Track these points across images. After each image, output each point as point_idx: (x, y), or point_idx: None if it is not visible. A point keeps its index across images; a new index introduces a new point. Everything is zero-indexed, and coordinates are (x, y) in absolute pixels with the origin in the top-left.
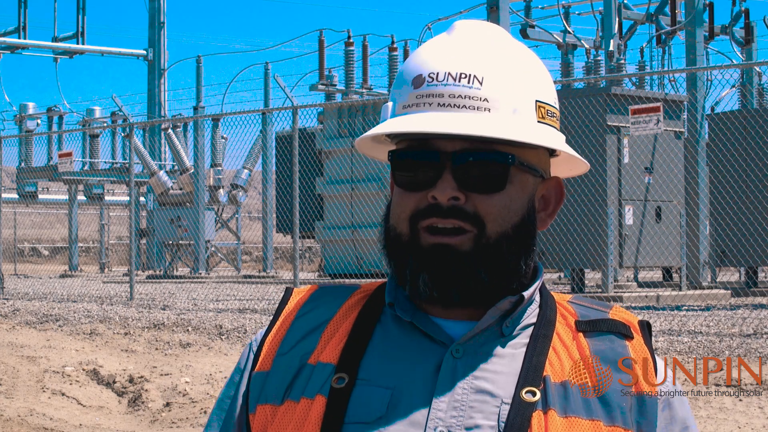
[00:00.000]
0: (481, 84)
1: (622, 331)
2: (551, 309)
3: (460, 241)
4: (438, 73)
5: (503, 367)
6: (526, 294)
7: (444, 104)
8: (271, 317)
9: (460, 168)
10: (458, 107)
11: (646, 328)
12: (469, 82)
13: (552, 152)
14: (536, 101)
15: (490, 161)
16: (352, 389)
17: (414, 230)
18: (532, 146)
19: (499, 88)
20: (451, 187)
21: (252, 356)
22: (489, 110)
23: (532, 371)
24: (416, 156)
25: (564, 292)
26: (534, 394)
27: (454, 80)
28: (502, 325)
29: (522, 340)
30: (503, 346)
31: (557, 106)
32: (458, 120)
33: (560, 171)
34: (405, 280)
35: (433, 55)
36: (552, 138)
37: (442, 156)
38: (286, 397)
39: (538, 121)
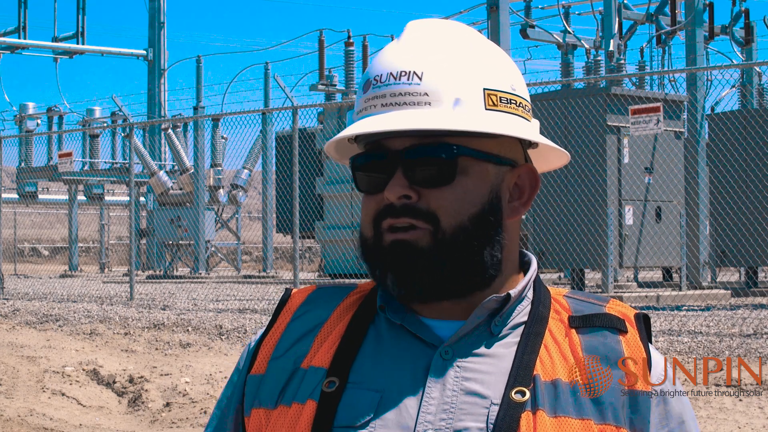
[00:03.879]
0: (420, 79)
1: (616, 326)
2: (544, 305)
3: (415, 236)
4: (381, 75)
5: (492, 367)
6: (514, 292)
7: (386, 104)
8: (270, 317)
9: (408, 165)
10: (399, 105)
11: (642, 321)
12: (408, 79)
13: (530, 142)
14: (484, 89)
15: (435, 155)
16: (343, 393)
17: (377, 232)
18: (490, 135)
19: (440, 80)
20: (401, 185)
21: (249, 358)
22: (429, 104)
23: (521, 371)
24: (369, 158)
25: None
26: (523, 394)
27: (395, 79)
28: (491, 324)
29: (513, 339)
30: (493, 346)
31: (519, 92)
32: (397, 117)
33: (544, 162)
34: (378, 281)
35: (380, 60)
36: (502, 125)
37: (392, 155)
38: (279, 402)
39: (487, 109)
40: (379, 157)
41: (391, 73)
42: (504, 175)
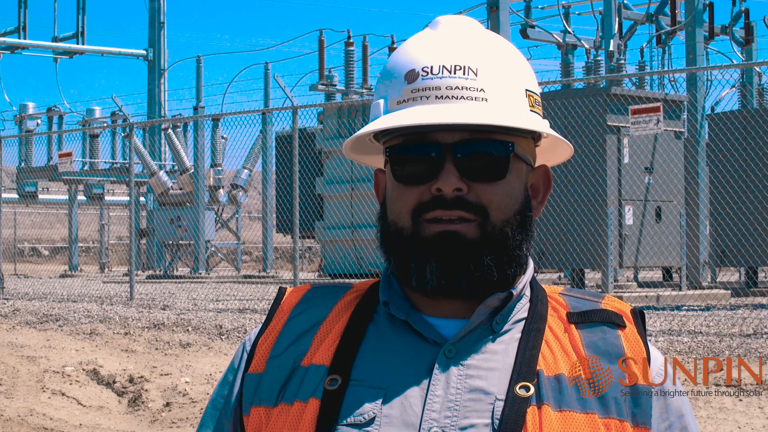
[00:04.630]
0: (476, 75)
1: (614, 321)
2: (542, 303)
3: (466, 229)
4: (432, 67)
5: (496, 363)
6: (515, 290)
7: (442, 96)
8: (266, 316)
9: (461, 159)
10: (456, 98)
11: (638, 316)
12: (464, 74)
13: (535, 142)
14: (526, 90)
15: (492, 150)
16: (345, 390)
17: (416, 223)
18: (524, 135)
19: (494, 78)
20: (455, 177)
21: (245, 356)
22: (486, 99)
23: (525, 366)
24: (416, 150)
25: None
26: (528, 389)
27: (450, 72)
28: (492, 321)
29: (514, 335)
30: (495, 342)
31: (540, 95)
32: (459, 110)
33: (543, 160)
34: (410, 272)
35: (423, 50)
36: (545, 126)
37: (443, 148)
38: (279, 400)
39: (530, 110)
40: (427, 148)
41: (444, 66)
42: (527, 174)
